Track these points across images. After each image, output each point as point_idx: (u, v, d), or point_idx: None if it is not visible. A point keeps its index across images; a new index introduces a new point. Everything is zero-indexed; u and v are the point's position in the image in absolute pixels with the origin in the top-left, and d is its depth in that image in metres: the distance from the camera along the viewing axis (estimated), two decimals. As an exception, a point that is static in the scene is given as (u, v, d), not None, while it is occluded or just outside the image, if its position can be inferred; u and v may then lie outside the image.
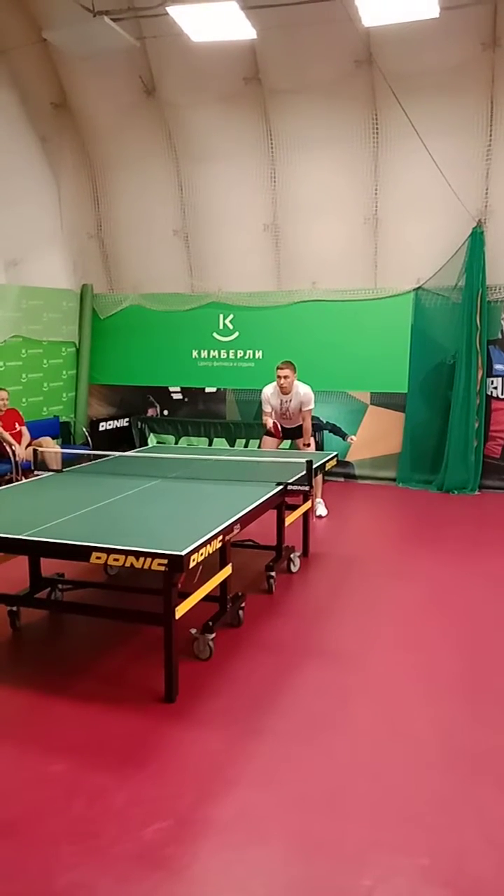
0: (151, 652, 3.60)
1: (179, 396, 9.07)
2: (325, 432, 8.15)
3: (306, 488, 4.66)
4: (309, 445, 6.50)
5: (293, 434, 6.58)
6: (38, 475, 5.02)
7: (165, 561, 3.03)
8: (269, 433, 6.58)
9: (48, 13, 6.99)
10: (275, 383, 6.36)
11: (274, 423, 6.39)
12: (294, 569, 5.11)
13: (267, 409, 6.42)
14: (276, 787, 2.68)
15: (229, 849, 2.35)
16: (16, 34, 7.37)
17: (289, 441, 6.77)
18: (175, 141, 8.22)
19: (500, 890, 2.19)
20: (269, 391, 6.43)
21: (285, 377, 6.25)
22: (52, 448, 6.89)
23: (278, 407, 6.41)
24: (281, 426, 6.52)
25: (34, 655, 3.87)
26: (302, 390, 6.34)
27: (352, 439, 8.10)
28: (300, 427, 6.49)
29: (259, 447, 7.05)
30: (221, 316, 8.67)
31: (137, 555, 3.06)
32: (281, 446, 6.74)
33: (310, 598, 4.72)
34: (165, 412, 9.13)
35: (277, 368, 6.29)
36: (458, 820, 2.49)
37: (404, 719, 3.16)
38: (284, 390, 6.31)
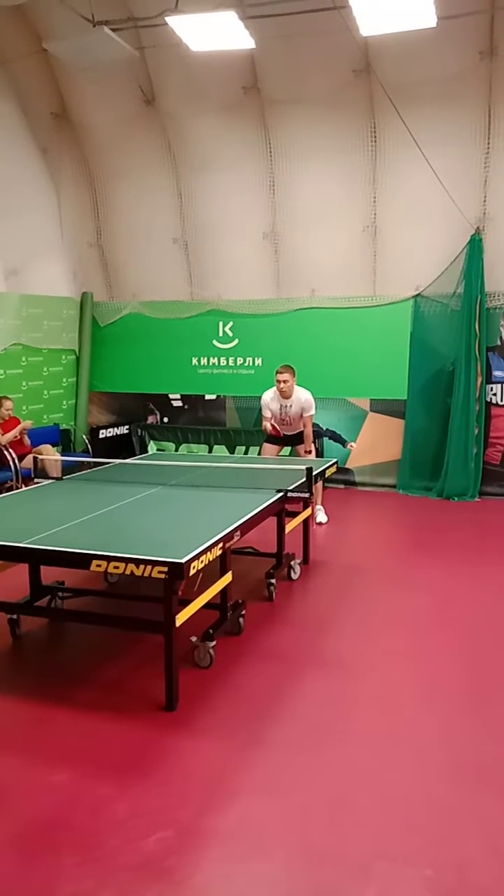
0: (152, 660, 3.59)
1: (179, 404, 9.08)
2: (325, 439, 8.15)
3: (306, 495, 4.65)
4: (310, 452, 6.48)
5: (293, 441, 6.57)
6: (38, 483, 5.02)
7: (165, 568, 3.02)
8: (269, 440, 6.57)
9: (48, 24, 7.03)
10: (274, 388, 6.36)
11: (273, 425, 6.38)
12: (294, 576, 5.10)
13: (267, 414, 6.41)
14: (278, 796, 2.66)
15: (231, 859, 2.34)
16: (16, 45, 7.41)
17: (289, 448, 6.77)
18: (174, 150, 8.26)
19: (504, 900, 2.18)
20: (268, 396, 6.42)
21: (284, 381, 6.25)
22: (52, 456, 6.89)
23: (278, 412, 6.40)
24: (281, 432, 6.52)
25: (34, 664, 3.86)
26: (303, 396, 6.33)
27: (351, 446, 8.11)
28: (300, 434, 6.49)
29: (259, 454, 7.05)
30: (221, 323, 8.69)
31: (137, 562, 3.05)
32: (281, 453, 6.73)
33: (310, 605, 4.71)
34: (165, 419, 9.13)
35: (277, 373, 6.29)
36: (462, 830, 2.48)
37: (407, 729, 3.14)
38: (284, 395, 6.31)
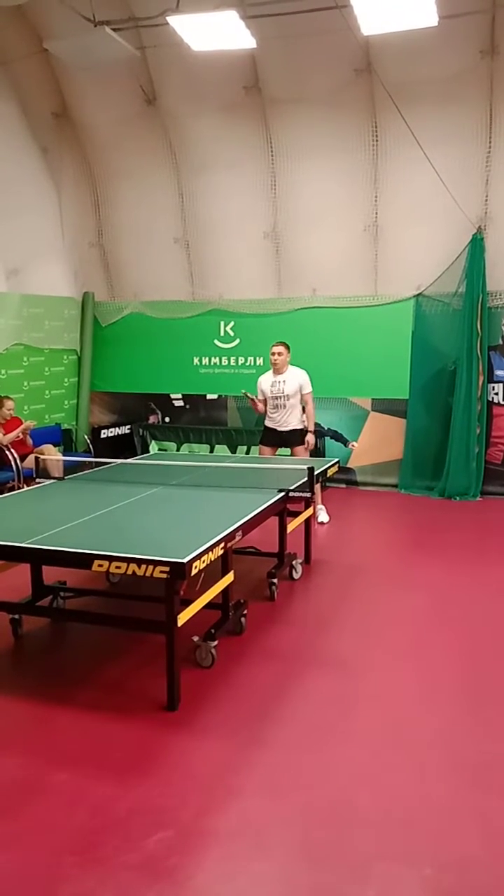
0: (153, 660, 3.59)
1: (181, 403, 9.08)
2: (327, 439, 8.15)
3: (308, 495, 4.65)
4: (312, 433, 6.36)
5: (289, 440, 6.42)
6: (39, 483, 5.03)
7: (167, 568, 3.03)
8: (263, 440, 6.53)
9: (49, 24, 7.03)
10: (270, 371, 6.39)
11: (252, 399, 6.39)
12: (296, 576, 5.10)
13: (260, 396, 6.44)
14: (279, 796, 2.66)
15: (232, 859, 2.34)
16: (17, 45, 7.41)
17: (287, 450, 6.70)
18: (175, 150, 8.26)
19: (504, 900, 2.18)
20: (262, 377, 6.48)
21: (278, 353, 6.28)
22: (53, 456, 6.90)
23: (269, 389, 6.37)
24: (275, 430, 6.45)
25: (36, 664, 3.86)
26: (298, 372, 6.33)
27: (353, 445, 8.10)
28: (295, 432, 6.37)
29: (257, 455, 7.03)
30: (222, 323, 8.69)
31: (139, 562, 3.06)
32: (278, 453, 6.69)
33: (312, 605, 4.71)
34: (167, 419, 9.14)
35: (272, 346, 6.33)
36: (462, 829, 2.48)
37: (407, 728, 3.14)
38: (277, 369, 6.31)
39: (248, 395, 6.44)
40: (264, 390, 6.41)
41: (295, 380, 6.30)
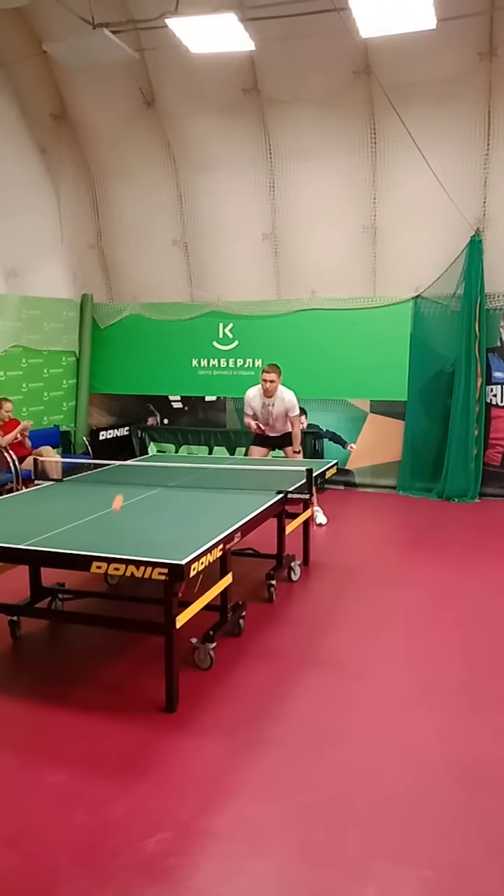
0: (152, 662, 3.59)
1: (179, 405, 9.08)
2: (325, 440, 8.16)
3: (306, 496, 4.66)
4: (298, 453, 6.45)
5: (281, 443, 6.50)
6: (38, 485, 5.03)
7: (166, 570, 3.03)
8: (256, 441, 6.55)
9: (48, 26, 7.05)
10: (258, 386, 6.35)
11: (258, 424, 6.38)
12: (294, 577, 5.10)
13: (248, 411, 6.41)
14: (277, 797, 2.66)
15: (231, 859, 2.34)
16: (16, 46, 7.43)
17: (278, 451, 6.72)
18: (174, 151, 8.27)
19: (503, 900, 2.18)
20: (251, 393, 6.42)
21: (271, 381, 6.23)
22: (52, 457, 6.90)
23: (259, 409, 6.37)
24: (268, 436, 6.46)
25: (34, 665, 3.86)
26: (286, 396, 6.30)
27: (352, 447, 8.11)
28: (287, 435, 6.44)
29: (245, 455, 7.01)
30: (221, 325, 8.69)
31: (138, 564, 3.06)
32: (270, 455, 6.70)
33: (310, 606, 4.71)
34: (165, 421, 9.14)
35: (263, 372, 6.28)
36: (461, 830, 2.48)
37: (406, 729, 3.15)
38: (268, 393, 6.29)
39: (258, 428, 6.39)
40: (255, 407, 6.39)
41: (281, 404, 6.30)
